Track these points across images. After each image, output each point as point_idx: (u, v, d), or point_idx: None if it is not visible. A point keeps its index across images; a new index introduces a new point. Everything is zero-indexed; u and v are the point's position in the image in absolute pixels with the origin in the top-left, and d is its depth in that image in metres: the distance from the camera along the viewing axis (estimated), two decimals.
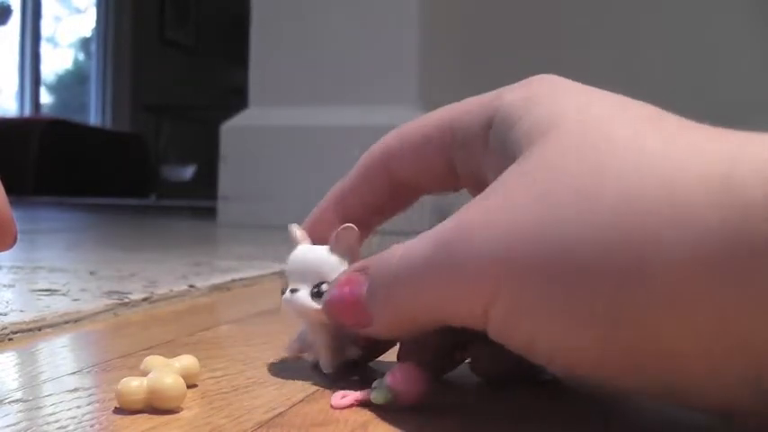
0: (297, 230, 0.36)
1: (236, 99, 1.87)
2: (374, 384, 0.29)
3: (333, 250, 0.34)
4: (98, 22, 5.18)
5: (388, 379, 0.29)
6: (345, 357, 0.35)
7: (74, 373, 0.34)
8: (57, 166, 3.97)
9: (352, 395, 0.30)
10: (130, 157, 4.52)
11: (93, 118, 5.09)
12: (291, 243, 0.35)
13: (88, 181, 4.08)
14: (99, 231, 1.64)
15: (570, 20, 1.76)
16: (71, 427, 0.26)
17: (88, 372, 0.35)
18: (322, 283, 0.33)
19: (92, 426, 0.26)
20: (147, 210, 2.93)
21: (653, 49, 1.73)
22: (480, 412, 0.30)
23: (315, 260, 0.34)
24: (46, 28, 5.01)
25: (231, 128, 1.75)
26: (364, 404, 0.29)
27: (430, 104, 1.68)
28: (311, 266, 0.34)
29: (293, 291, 0.33)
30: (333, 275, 0.33)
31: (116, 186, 4.21)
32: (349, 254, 0.34)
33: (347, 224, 0.34)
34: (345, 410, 0.29)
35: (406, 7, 1.70)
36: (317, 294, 0.33)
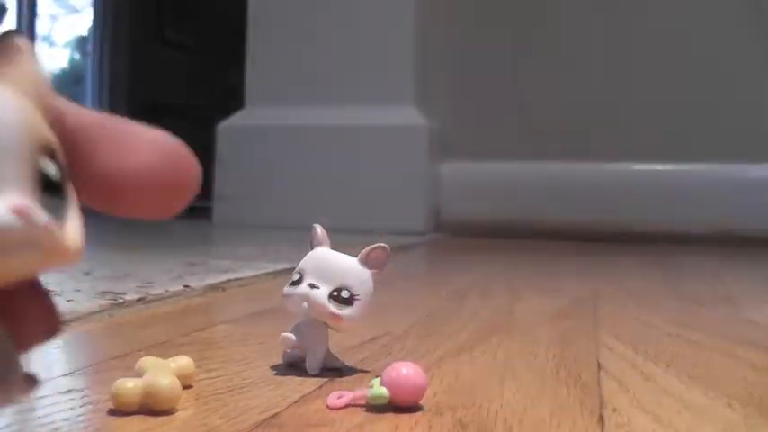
0: (321, 231, 0.36)
1: (234, 99, 1.86)
2: (370, 384, 0.29)
3: (362, 263, 0.34)
4: (95, 21, 5.17)
5: (383, 379, 0.29)
6: (331, 364, 0.35)
7: (67, 374, 0.34)
8: None
9: (348, 395, 0.29)
10: None
11: None
12: (313, 242, 0.36)
13: None
14: (93, 231, 1.63)
15: (568, 21, 1.76)
16: (64, 429, 0.26)
17: (82, 373, 0.35)
18: (343, 289, 0.34)
19: (85, 427, 0.26)
20: None
21: (643, 48, 1.73)
22: (478, 410, 0.29)
23: (343, 267, 0.35)
24: (42, 27, 5.00)
25: (227, 128, 1.74)
26: (360, 404, 0.29)
27: (426, 104, 1.68)
28: (338, 271, 0.34)
29: (312, 285, 0.34)
30: (357, 287, 0.34)
31: None
32: (377, 269, 0.35)
33: (380, 244, 0.35)
34: (341, 411, 0.29)
35: (401, 8, 1.70)
36: (335, 298, 0.34)
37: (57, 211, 0.17)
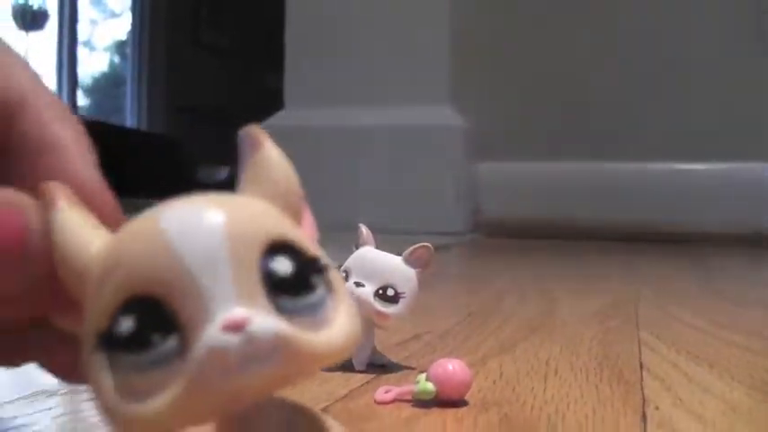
0: (366, 231, 0.37)
1: (272, 101, 1.89)
2: (417, 380, 0.30)
3: (406, 262, 0.35)
4: (133, 25, 5.24)
5: (430, 375, 0.30)
6: (377, 361, 0.36)
7: None
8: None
9: (395, 390, 0.30)
10: (166, 159, 4.57)
11: (130, 120, 5.16)
12: (358, 241, 0.37)
13: (125, 182, 4.12)
14: None
15: (606, 18, 1.75)
16: None
17: None
18: (388, 287, 0.35)
19: None
20: None
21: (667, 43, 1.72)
22: (522, 407, 0.30)
23: (388, 266, 0.35)
24: (82, 32, 5.08)
25: (266, 129, 1.75)
26: (407, 399, 0.30)
27: (462, 104, 1.68)
28: (383, 270, 0.35)
29: (358, 284, 0.35)
30: (402, 285, 0.35)
31: (152, 187, 4.26)
32: (422, 268, 0.35)
33: (424, 243, 0.35)
34: (389, 405, 0.30)
35: (437, 9, 1.70)
36: (381, 296, 0.34)
37: (305, 312, 0.15)
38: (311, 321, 0.15)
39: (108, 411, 0.15)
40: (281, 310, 0.15)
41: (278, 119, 1.78)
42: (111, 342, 0.15)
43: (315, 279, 0.16)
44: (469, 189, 1.69)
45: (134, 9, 5.19)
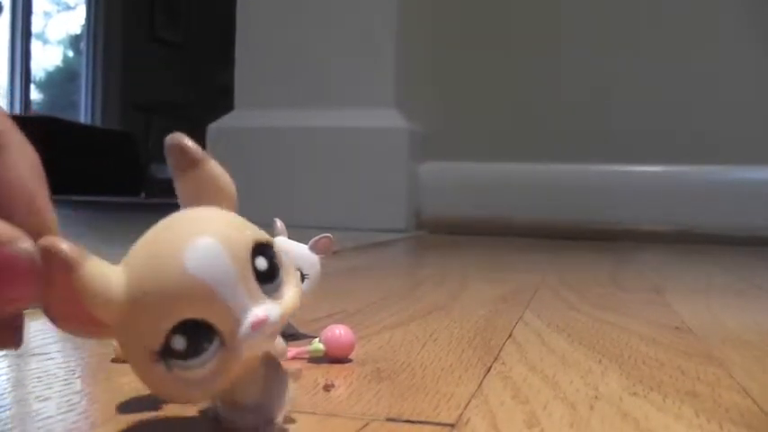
0: (280, 224, 0.44)
1: (225, 97, 1.94)
2: (312, 342, 0.38)
3: (311, 250, 0.43)
4: (88, 18, 5.22)
5: (321, 338, 0.38)
6: (288, 331, 0.44)
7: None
8: (47, 163, 3.98)
9: (295, 350, 0.38)
10: (120, 155, 4.58)
11: (84, 116, 5.14)
12: (275, 233, 0.44)
13: (78, 178, 4.14)
14: (89, 228, 1.71)
15: (541, 25, 1.84)
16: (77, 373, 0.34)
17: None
18: (296, 270, 0.42)
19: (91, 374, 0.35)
20: (137, 207, 3.00)
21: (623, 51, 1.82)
22: (394, 363, 0.38)
23: (296, 253, 0.43)
24: (36, 24, 5.05)
25: (217, 128, 1.82)
26: (304, 357, 0.38)
27: (407, 106, 1.76)
28: (292, 256, 0.43)
29: None
30: (307, 268, 0.42)
31: (106, 184, 4.27)
32: (324, 254, 0.43)
33: (326, 234, 0.43)
34: (289, 361, 0.37)
35: (384, 13, 1.78)
36: None
37: (275, 290, 0.23)
38: (278, 295, 0.23)
39: (173, 397, 0.23)
40: (266, 293, 0.22)
41: (228, 120, 1.85)
42: (167, 355, 0.22)
43: (277, 267, 0.23)
44: (414, 188, 1.77)
45: (88, 2, 5.18)
